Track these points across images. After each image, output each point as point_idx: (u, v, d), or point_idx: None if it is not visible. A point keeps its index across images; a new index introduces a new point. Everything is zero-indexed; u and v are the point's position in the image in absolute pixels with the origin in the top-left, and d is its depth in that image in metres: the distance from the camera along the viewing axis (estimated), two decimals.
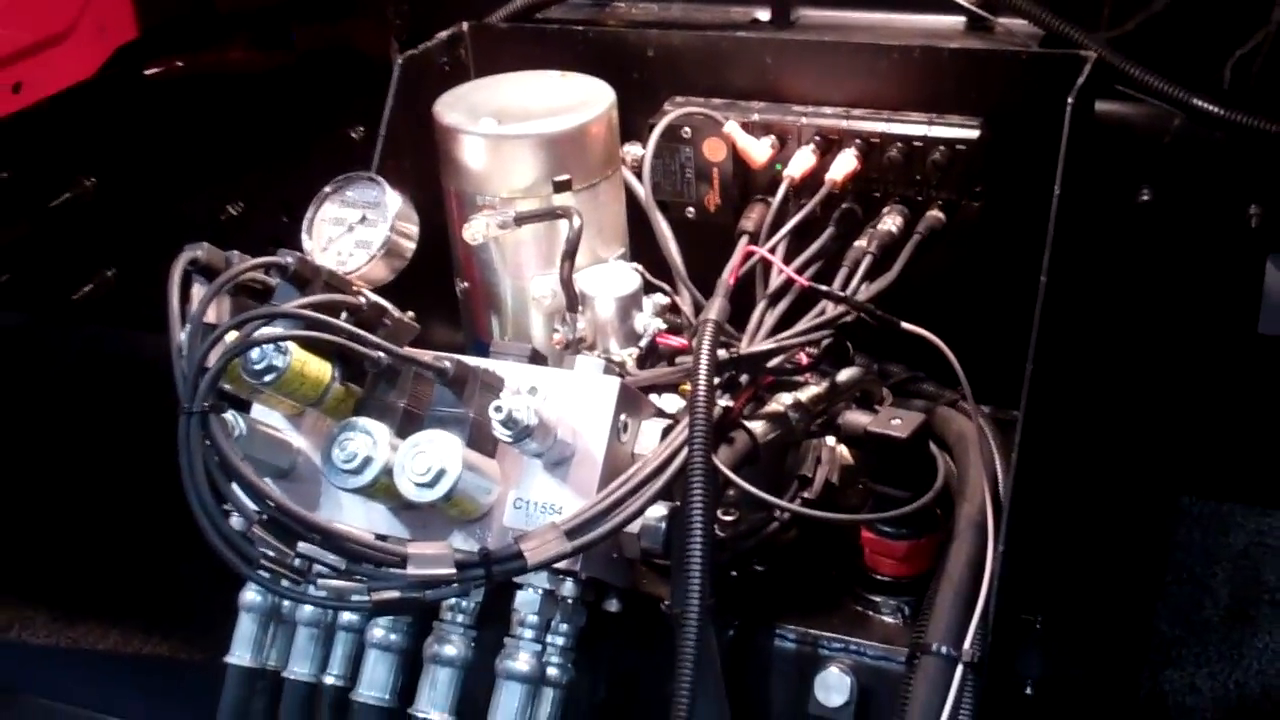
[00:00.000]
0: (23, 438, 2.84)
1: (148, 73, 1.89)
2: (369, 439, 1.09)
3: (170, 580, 2.60)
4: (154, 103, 1.92)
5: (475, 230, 1.30)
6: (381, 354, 1.11)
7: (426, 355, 1.15)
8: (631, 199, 1.44)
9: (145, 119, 1.95)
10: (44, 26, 1.77)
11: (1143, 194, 1.48)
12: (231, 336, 1.06)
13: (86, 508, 2.78)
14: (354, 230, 1.26)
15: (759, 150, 1.43)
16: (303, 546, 1.07)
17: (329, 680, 1.23)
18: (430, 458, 1.08)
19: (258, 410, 1.20)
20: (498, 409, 1.09)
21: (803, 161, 1.41)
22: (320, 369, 1.11)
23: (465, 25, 1.55)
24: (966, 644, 1.16)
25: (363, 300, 1.17)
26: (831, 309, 1.30)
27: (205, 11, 1.87)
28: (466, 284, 1.41)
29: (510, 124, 1.32)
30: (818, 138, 1.42)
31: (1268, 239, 1.45)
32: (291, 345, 1.09)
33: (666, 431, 1.18)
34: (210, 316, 1.08)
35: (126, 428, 2.88)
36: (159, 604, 2.59)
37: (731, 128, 1.44)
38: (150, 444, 2.77)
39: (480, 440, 1.13)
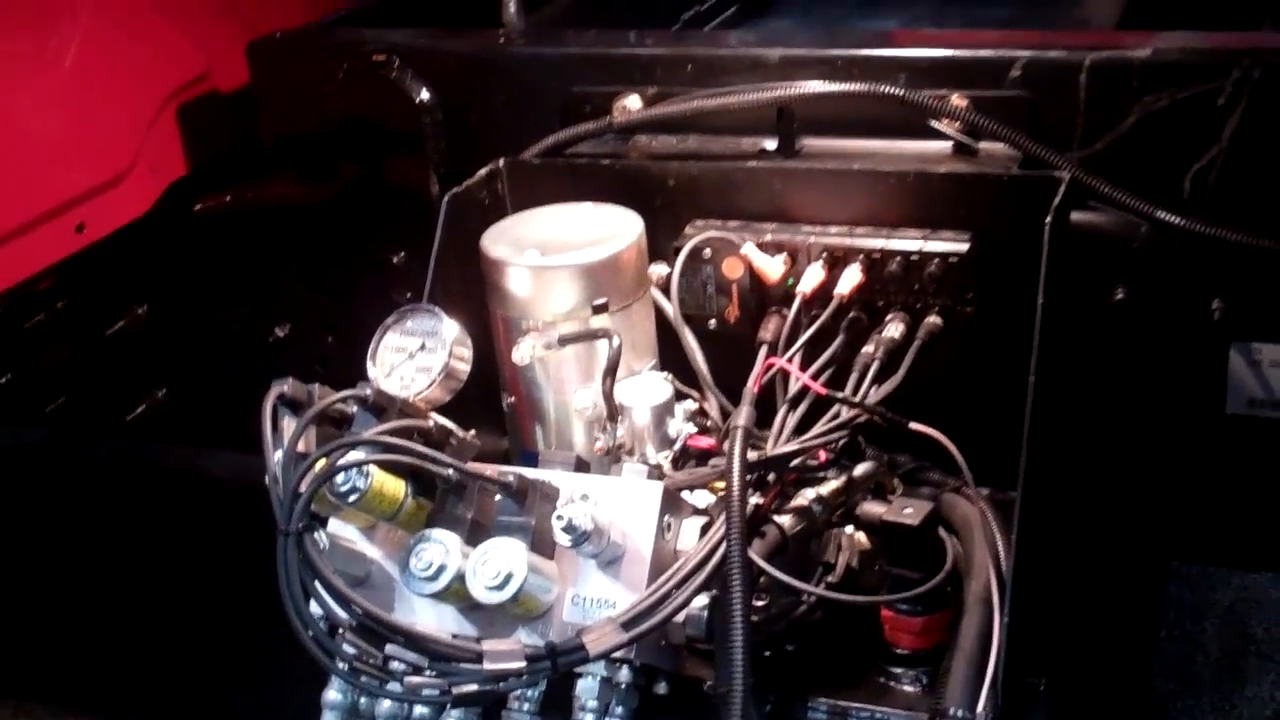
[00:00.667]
0: (58, 546, 2.93)
1: (197, 208, 2.01)
2: (443, 548, 1.20)
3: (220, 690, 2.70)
4: (204, 234, 2.03)
5: (524, 353, 1.40)
6: (452, 471, 1.23)
7: (491, 470, 1.25)
8: (659, 314, 1.54)
9: (195, 249, 2.05)
10: (104, 170, 1.89)
11: (1117, 293, 1.56)
12: (320, 463, 1.17)
13: (105, 607, 2.86)
14: (414, 357, 1.34)
15: (773, 268, 1.53)
16: (389, 649, 1.19)
17: None
18: (499, 563, 1.19)
19: (334, 525, 1.28)
20: (559, 518, 1.20)
21: (813, 277, 1.51)
22: (396, 487, 1.22)
23: (502, 162, 1.64)
24: (979, 707, 1.24)
25: (431, 424, 1.28)
26: (845, 412, 1.39)
27: (252, 148, 1.99)
28: (513, 398, 1.50)
29: (552, 255, 1.42)
30: (825, 254, 1.52)
31: (1230, 329, 1.54)
32: (372, 467, 1.19)
33: (705, 528, 1.27)
34: (300, 445, 1.17)
35: (178, 539, 2.99)
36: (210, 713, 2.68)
37: (748, 248, 1.53)
38: (194, 550, 2.90)
39: (541, 545, 1.23)
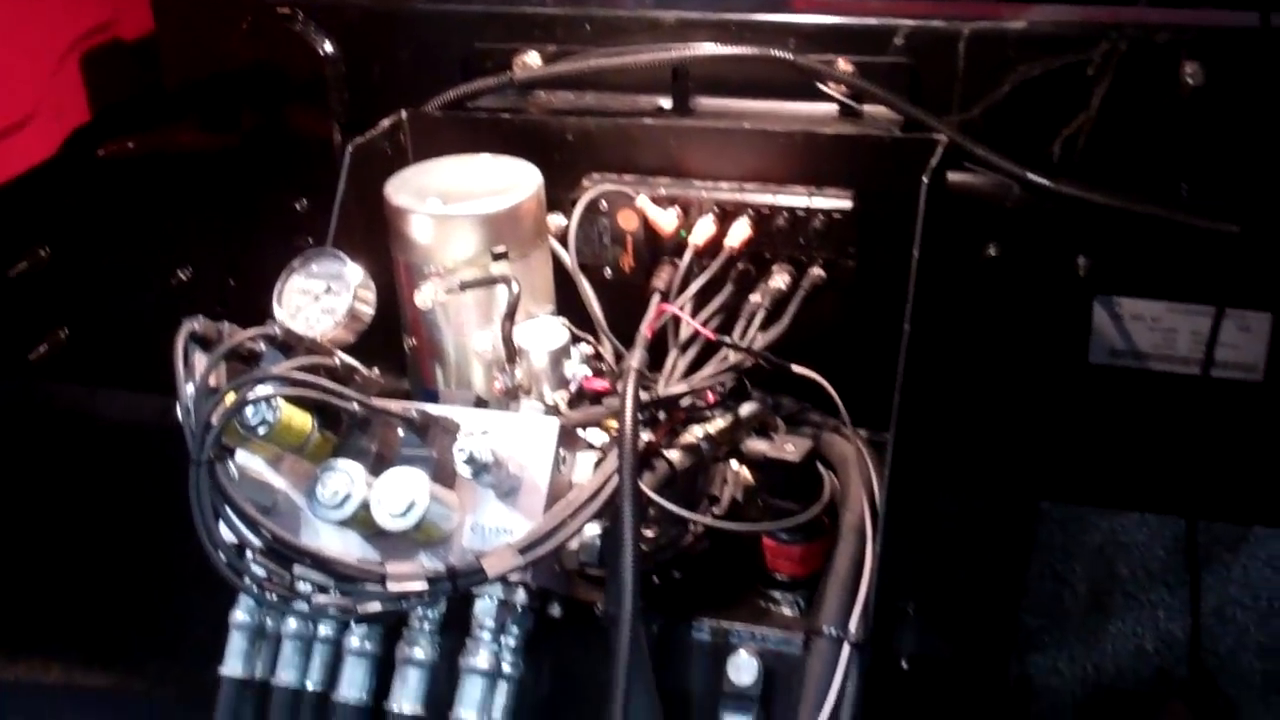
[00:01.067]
0: None
1: (100, 153, 2.03)
2: (348, 477, 1.25)
3: (106, 618, 2.73)
4: (107, 179, 2.05)
5: (425, 297, 1.44)
6: (357, 406, 1.29)
7: (395, 405, 1.31)
8: (557, 263, 1.58)
9: (98, 194, 2.06)
10: (7, 115, 1.90)
11: (990, 250, 1.65)
12: (230, 397, 1.22)
13: (37, 551, 2.87)
14: (319, 300, 1.39)
15: (666, 220, 1.59)
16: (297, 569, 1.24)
17: (310, 686, 1.35)
18: (402, 492, 1.24)
19: (242, 456, 1.33)
20: (461, 450, 1.26)
21: (704, 230, 1.57)
22: (303, 420, 1.27)
23: (404, 113, 1.68)
24: (852, 627, 1.32)
25: (337, 361, 1.33)
26: (733, 356, 1.46)
27: (155, 96, 2.00)
28: (415, 341, 1.54)
29: (454, 204, 1.47)
30: (716, 208, 1.58)
31: (1094, 284, 1.63)
32: (280, 401, 1.24)
33: (599, 463, 1.34)
34: (211, 379, 1.22)
35: (79, 477, 3.00)
36: (94, 639, 2.71)
37: (643, 201, 1.59)
38: (99, 491, 2.92)
39: (442, 476, 1.29)
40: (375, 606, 1.24)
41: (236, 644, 1.39)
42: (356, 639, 1.34)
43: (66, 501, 2.98)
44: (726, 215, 1.59)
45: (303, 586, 1.25)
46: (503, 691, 1.31)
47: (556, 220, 1.62)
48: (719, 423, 1.45)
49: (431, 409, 1.34)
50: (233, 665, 1.39)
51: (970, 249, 1.65)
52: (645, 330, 1.45)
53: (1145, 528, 2.63)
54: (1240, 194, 1.49)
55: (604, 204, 1.62)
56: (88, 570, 2.86)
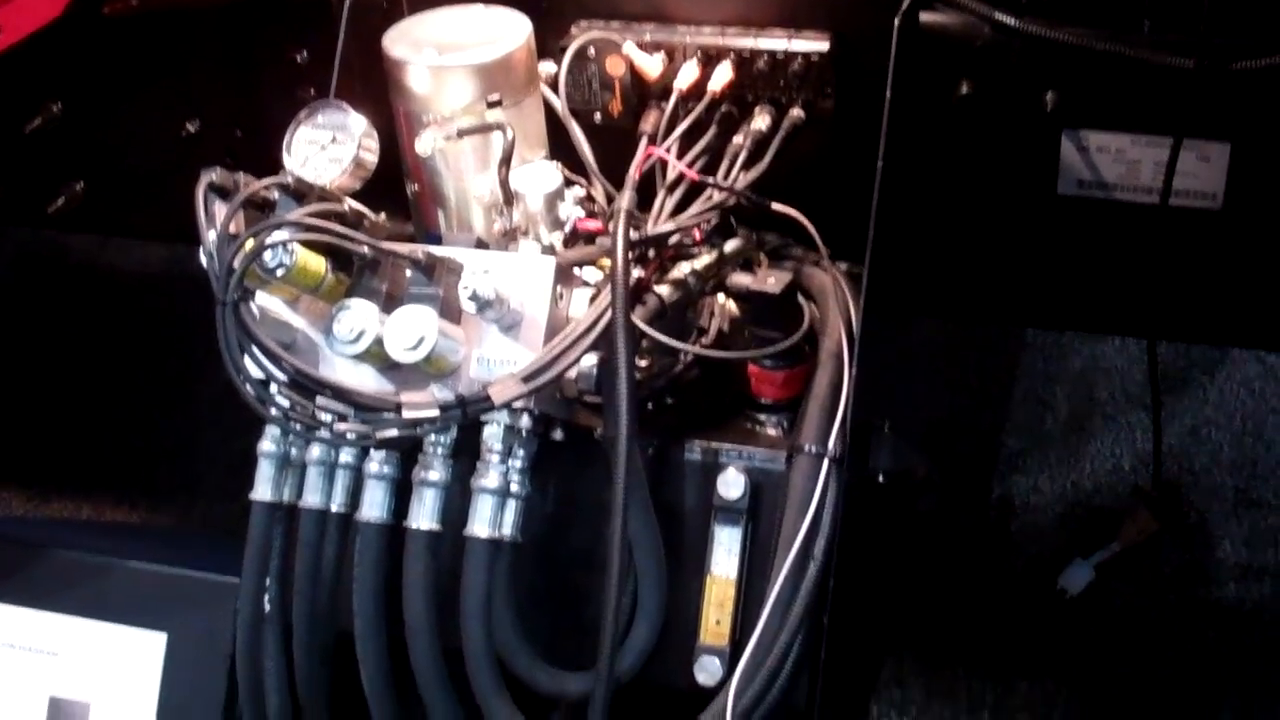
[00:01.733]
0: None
1: (106, 10, 2.06)
2: (363, 315, 1.34)
3: (130, 459, 2.86)
4: (114, 35, 2.09)
5: (425, 145, 1.49)
6: (367, 249, 1.37)
7: (403, 248, 1.38)
8: (549, 109, 1.63)
9: (106, 50, 2.11)
10: None
11: (962, 88, 1.69)
12: (250, 242, 1.29)
13: (63, 396, 2.97)
14: (326, 149, 1.45)
15: (652, 66, 1.64)
16: (319, 400, 1.33)
17: (334, 509, 1.46)
18: (412, 327, 1.33)
19: (261, 297, 1.41)
20: (465, 287, 1.34)
21: (689, 74, 1.62)
22: (318, 263, 1.35)
23: None
24: (831, 443, 1.41)
25: (346, 207, 1.41)
26: (716, 195, 1.53)
27: None
28: (416, 186, 1.60)
29: (449, 55, 1.52)
30: (700, 53, 1.63)
31: (1061, 118, 1.68)
32: (296, 245, 1.32)
33: (593, 298, 1.42)
34: (231, 227, 1.30)
35: (98, 323, 3.10)
36: (121, 481, 2.84)
37: (629, 48, 1.64)
38: (117, 337, 3.02)
39: (449, 313, 1.38)
40: (392, 432, 1.34)
41: (264, 471, 1.49)
42: (376, 463, 1.43)
43: (87, 348, 3.09)
44: (709, 59, 1.64)
45: (324, 416, 1.35)
46: (511, 509, 1.40)
47: (547, 68, 1.66)
48: (705, 259, 1.53)
49: (437, 250, 1.42)
50: (262, 490, 1.49)
51: (944, 87, 1.70)
52: (634, 172, 1.51)
53: (1125, 353, 2.72)
54: (1199, 30, 1.54)
55: (592, 51, 1.67)
56: (112, 413, 2.98)
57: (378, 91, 1.59)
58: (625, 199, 1.45)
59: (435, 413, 1.33)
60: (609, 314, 1.37)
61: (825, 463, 1.41)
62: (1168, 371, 2.64)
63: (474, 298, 1.35)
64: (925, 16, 1.65)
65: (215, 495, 2.78)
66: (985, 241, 1.83)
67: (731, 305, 1.55)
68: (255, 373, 1.33)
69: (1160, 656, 2.24)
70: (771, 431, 1.51)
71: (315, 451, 1.47)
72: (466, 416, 1.34)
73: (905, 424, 1.65)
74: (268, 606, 1.51)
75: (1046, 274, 1.85)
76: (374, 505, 1.43)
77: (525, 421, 1.40)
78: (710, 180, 1.54)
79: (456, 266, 1.41)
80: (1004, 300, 1.92)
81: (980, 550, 2.45)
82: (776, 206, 1.53)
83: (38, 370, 3.10)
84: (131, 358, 3.09)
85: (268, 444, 1.49)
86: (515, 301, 1.39)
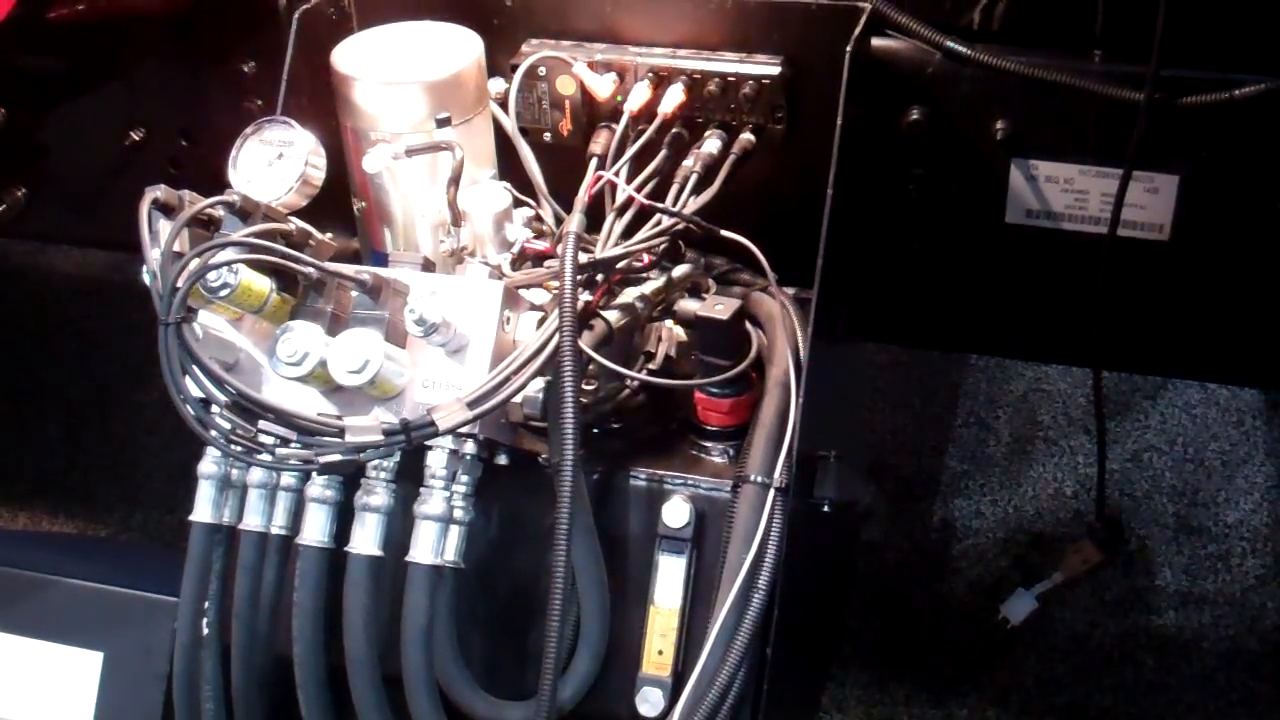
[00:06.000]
0: None
1: (52, 15, 2.04)
2: (307, 337, 1.33)
3: (68, 468, 2.81)
4: (59, 41, 2.07)
5: (373, 162, 1.49)
6: (312, 270, 1.36)
7: (348, 269, 1.37)
8: (498, 127, 1.63)
9: (51, 57, 2.09)
10: None
11: (913, 114, 1.69)
12: (194, 262, 1.27)
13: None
14: (273, 165, 1.43)
15: (603, 86, 1.64)
16: (261, 424, 1.31)
17: (275, 531, 1.45)
18: (357, 350, 1.32)
19: (205, 316, 1.39)
20: (411, 311, 1.33)
21: (640, 95, 1.62)
22: (263, 284, 1.33)
23: None
24: (776, 473, 1.40)
25: (292, 227, 1.39)
26: (666, 220, 1.52)
27: None
28: (364, 204, 1.59)
29: (399, 72, 1.51)
30: (651, 74, 1.63)
31: (1011, 147, 1.69)
32: (240, 266, 1.30)
33: (540, 322, 1.41)
34: (176, 245, 1.26)
35: (35, 330, 3.06)
36: (58, 491, 2.79)
37: (580, 68, 1.64)
38: (56, 343, 2.97)
39: (394, 335, 1.37)
40: (335, 457, 1.32)
41: (205, 492, 1.48)
42: (318, 487, 1.43)
43: (24, 352, 3.05)
44: (661, 81, 1.64)
45: (265, 439, 1.33)
46: (454, 535, 1.40)
47: (496, 85, 1.66)
48: (653, 284, 1.54)
49: (383, 272, 1.41)
50: (201, 511, 1.48)
51: (894, 113, 1.70)
52: (583, 195, 1.51)
53: (1069, 377, 2.74)
54: (1150, 62, 1.55)
55: (543, 69, 1.66)
56: (50, 420, 2.94)
57: (326, 105, 1.58)
58: (574, 222, 1.44)
59: (379, 437, 1.31)
60: (556, 339, 1.36)
61: (771, 493, 1.41)
62: (1110, 395, 2.66)
63: (420, 321, 1.34)
64: (877, 42, 1.66)
65: (156, 505, 2.74)
66: (933, 267, 1.84)
67: (679, 330, 1.55)
68: (196, 393, 1.31)
69: (1100, 685, 2.25)
70: (717, 459, 1.51)
71: (256, 474, 1.46)
72: (411, 442, 1.32)
73: (850, 447, 1.65)
74: (206, 629, 1.49)
75: (993, 301, 1.86)
76: (315, 529, 1.43)
77: (470, 447, 1.40)
78: (658, 205, 1.54)
79: (403, 289, 1.40)
80: (950, 326, 1.92)
81: (921, 575, 2.46)
82: (724, 234, 1.53)
83: None
84: (70, 363, 3.05)
85: (208, 465, 1.48)
86: (461, 325, 1.38)
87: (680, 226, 1.53)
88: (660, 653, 1.44)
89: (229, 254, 1.30)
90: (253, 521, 1.46)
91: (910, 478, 2.64)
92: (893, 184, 1.76)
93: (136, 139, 2.12)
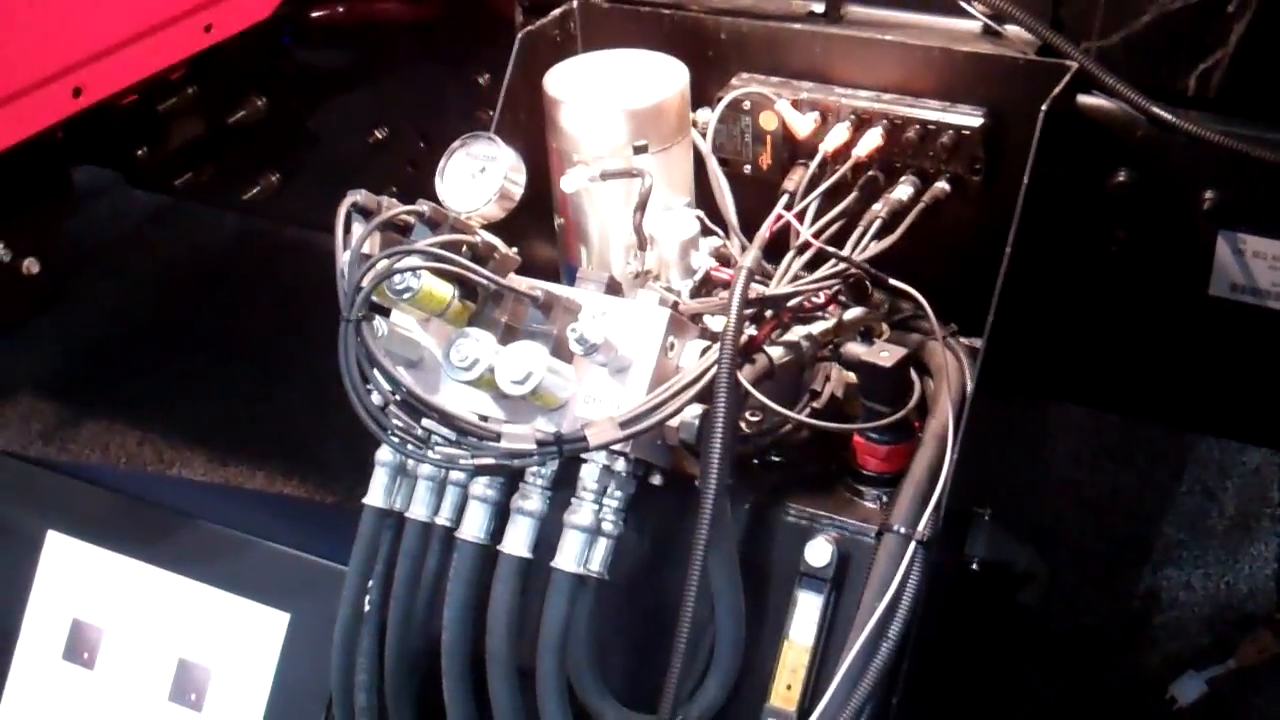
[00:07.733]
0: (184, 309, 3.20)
1: (314, 15, 2.19)
2: (478, 344, 1.38)
3: (305, 437, 2.98)
4: (318, 40, 2.22)
5: (570, 182, 1.55)
6: (488, 282, 1.43)
7: (524, 284, 1.43)
8: (699, 155, 1.67)
9: (309, 54, 2.25)
10: None
11: (1119, 175, 1.66)
12: (381, 264, 1.35)
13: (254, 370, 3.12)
14: (476, 178, 1.50)
15: (803, 125, 1.67)
16: (426, 421, 1.39)
17: (439, 522, 1.52)
18: (523, 362, 1.38)
19: (396, 315, 1.48)
20: (573, 330, 1.38)
21: (838, 136, 1.64)
22: (444, 290, 1.40)
23: (575, 3, 1.79)
24: (920, 525, 1.40)
25: (479, 239, 1.45)
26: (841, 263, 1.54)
27: None
28: (563, 220, 1.65)
29: (602, 98, 1.57)
30: (853, 116, 1.64)
31: (1218, 218, 1.64)
32: (423, 272, 1.37)
33: (704, 351, 1.44)
34: (365, 247, 1.36)
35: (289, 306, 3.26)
36: (296, 455, 2.97)
37: (782, 105, 1.67)
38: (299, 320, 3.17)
39: (561, 351, 1.42)
40: (489, 461, 1.38)
41: (379, 478, 1.57)
42: (480, 486, 1.49)
43: (282, 326, 3.24)
44: (861, 123, 1.66)
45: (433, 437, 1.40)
46: (601, 546, 1.44)
47: (703, 115, 1.70)
48: (822, 324, 1.55)
49: (555, 289, 1.46)
50: (374, 496, 1.57)
51: (1099, 172, 1.68)
52: (764, 232, 1.54)
53: None
54: None
55: (747, 104, 1.70)
56: (295, 389, 3.12)
57: (542, 123, 1.64)
58: (749, 257, 1.47)
59: (531, 447, 1.36)
60: (715, 369, 1.39)
61: (912, 544, 1.41)
62: None
63: (580, 340, 1.39)
64: (1088, 100, 1.64)
65: None
66: (1129, 332, 1.79)
67: (849, 373, 1.55)
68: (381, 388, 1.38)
69: None
70: (869, 504, 1.52)
71: (427, 467, 1.53)
72: (562, 454, 1.37)
73: (1015, 507, 1.62)
74: (367, 606, 1.57)
75: (1189, 373, 1.80)
76: (474, 525, 1.49)
77: (622, 465, 1.44)
78: (829, 249, 1.55)
79: (574, 307, 1.45)
80: (1141, 394, 1.87)
81: (1116, 642, 2.38)
82: (893, 283, 1.53)
83: (237, 341, 3.26)
84: (321, 338, 3.21)
85: (385, 453, 1.56)
86: (625, 347, 1.42)
87: (851, 271, 1.54)
88: (789, 687, 1.46)
89: (412, 260, 1.38)
90: (418, 511, 1.53)
91: (1121, 541, 2.57)
92: (1094, 244, 1.73)
93: (380, 137, 2.25)
